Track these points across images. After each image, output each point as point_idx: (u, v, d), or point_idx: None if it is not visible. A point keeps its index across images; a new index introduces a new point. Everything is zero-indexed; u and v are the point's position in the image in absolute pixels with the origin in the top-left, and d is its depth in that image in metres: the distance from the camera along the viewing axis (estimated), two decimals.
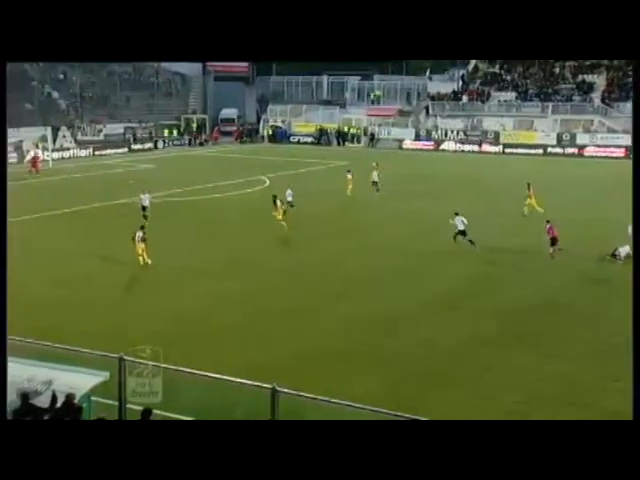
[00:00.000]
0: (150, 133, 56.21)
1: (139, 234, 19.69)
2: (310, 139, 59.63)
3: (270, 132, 61.32)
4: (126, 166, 43.96)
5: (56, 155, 46.49)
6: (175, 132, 58.94)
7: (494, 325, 15.69)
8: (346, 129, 59.24)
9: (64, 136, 50.29)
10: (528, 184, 27.68)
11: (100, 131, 52.88)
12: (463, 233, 21.70)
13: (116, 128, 54.13)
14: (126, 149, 52.04)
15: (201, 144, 58.25)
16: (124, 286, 18.55)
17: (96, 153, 49.33)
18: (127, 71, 61.82)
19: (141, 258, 19.55)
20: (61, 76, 57.36)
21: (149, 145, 54.20)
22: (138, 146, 53.24)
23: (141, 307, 16.77)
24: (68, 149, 48.54)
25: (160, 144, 55.34)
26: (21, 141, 45.61)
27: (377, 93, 63.78)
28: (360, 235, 24.56)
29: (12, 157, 44.12)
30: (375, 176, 32.51)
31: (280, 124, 61.98)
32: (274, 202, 24.68)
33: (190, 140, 58.18)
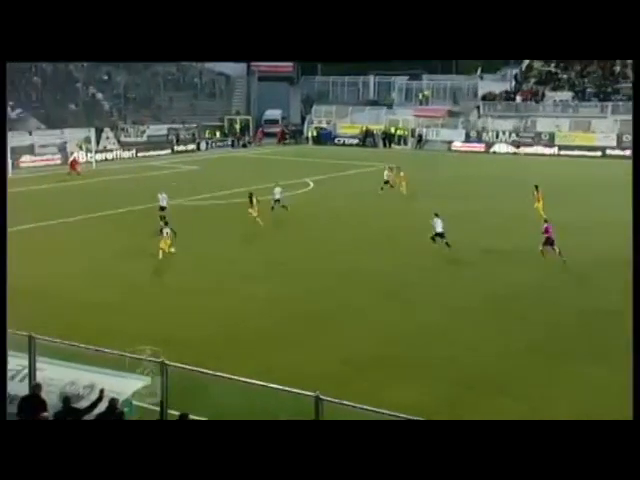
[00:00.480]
0: (193, 134, 57.08)
1: (166, 230, 21.12)
2: (355, 141, 59.68)
3: (314, 133, 61.57)
4: (169, 168, 44.68)
5: (99, 156, 47.57)
6: (218, 133, 59.68)
7: (547, 332, 15.49)
8: (392, 130, 59.05)
9: (107, 137, 51.42)
10: (536, 186, 27.14)
11: (143, 132, 53.95)
12: (441, 235, 22.06)
13: (159, 129, 55.17)
14: (169, 150, 52.91)
15: (244, 145, 58.86)
16: (167, 290, 18.78)
17: (139, 154, 50.26)
18: (171, 72, 63.02)
19: (161, 252, 20.74)
20: (105, 77, 58.84)
21: (192, 146, 54.99)
22: (181, 147, 54.08)
23: (185, 311, 16.87)
24: (111, 150, 49.65)
25: (203, 145, 56.10)
26: (65, 142, 46.95)
27: (425, 93, 63.44)
28: (405, 237, 24.50)
29: (56, 158, 45.52)
30: (386, 175, 33.80)
31: (325, 125, 62.19)
32: (250, 200, 25.36)
33: (233, 141, 58.84)
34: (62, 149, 46.63)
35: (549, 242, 20.84)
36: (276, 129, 63.00)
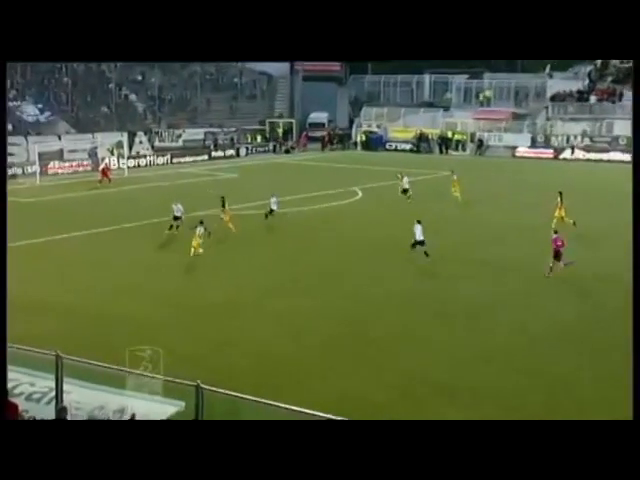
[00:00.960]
0: (232, 139, 57.20)
1: (199, 229, 22.79)
2: (409, 146, 59.13)
3: (364, 138, 61.17)
4: (206, 175, 44.67)
5: (132, 163, 47.95)
6: (259, 138, 59.74)
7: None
8: (450, 135, 58.19)
9: (140, 142, 51.80)
10: (560, 193, 26.76)
11: (179, 137, 54.21)
12: (421, 243, 22.75)
13: (196, 133, 55.41)
14: (206, 156, 53.05)
15: (287, 151, 58.73)
16: (210, 305, 18.53)
17: (174, 160, 50.51)
18: (209, 72, 63.34)
19: (193, 249, 22.33)
20: (139, 77, 59.38)
21: (231, 152, 55.05)
22: (219, 153, 54.20)
23: (223, 330, 16.67)
24: (144, 156, 49.93)
25: (243, 151, 56.12)
26: (96, 147, 47.37)
27: (487, 94, 62.20)
28: (475, 252, 23.66)
29: (86, 164, 45.91)
30: (406, 182, 34.41)
31: (375, 129, 61.70)
32: (222, 204, 26.81)
33: (275, 147, 58.74)
34: (93, 154, 47.08)
35: (556, 256, 20.46)
36: (322, 133, 62.88)
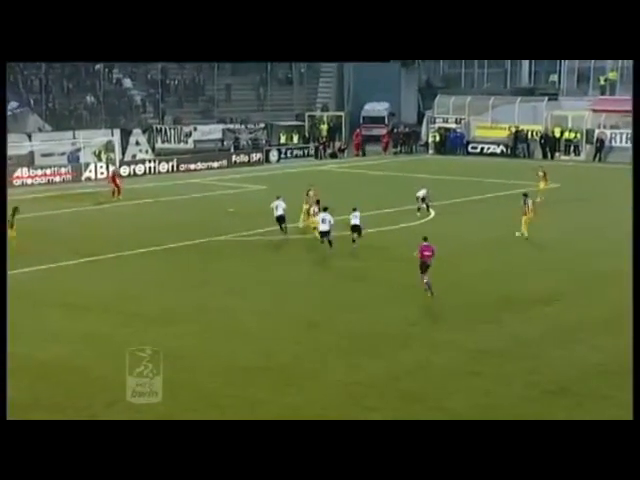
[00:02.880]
0: (259, 139, 57.49)
1: (314, 208, 30.35)
2: (500, 148, 58.93)
3: (438, 138, 61.16)
4: (224, 187, 44.90)
5: (125, 170, 48.37)
6: (296, 138, 60.16)
7: None
8: (557, 133, 57.67)
9: (137, 143, 52.42)
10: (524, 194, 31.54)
11: (188, 135, 54.71)
12: (356, 228, 28.88)
13: (211, 131, 55.96)
14: (224, 162, 53.51)
15: (333, 155, 58.91)
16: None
17: (181, 167, 50.95)
18: None
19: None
20: None
21: (257, 156, 55.38)
22: (242, 158, 54.58)
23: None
24: (143, 162, 50.40)
25: (274, 155, 56.43)
26: (78, 150, 48.11)
27: (610, 76, 61.49)
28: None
29: (65, 172, 46.34)
30: (422, 193, 36.30)
31: (453, 125, 61.58)
32: (13, 214, 28.58)
33: (317, 149, 58.99)
34: (73, 159, 47.75)
35: (423, 267, 23.34)
36: (381, 131, 63.11)
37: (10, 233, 26.98)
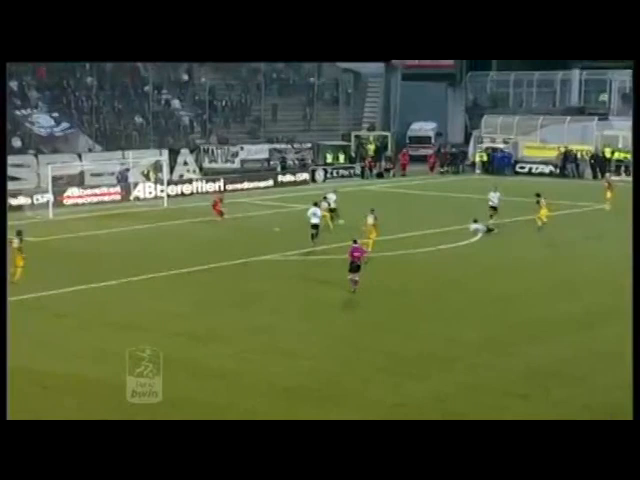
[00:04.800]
0: (305, 159, 57.93)
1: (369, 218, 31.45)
2: (548, 168, 58.67)
3: (485, 157, 60.97)
4: (270, 207, 45.21)
5: (173, 190, 48.68)
6: (342, 157, 60.27)
7: None
8: (608, 153, 57.14)
9: (185, 162, 53.15)
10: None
11: (235, 155, 55.27)
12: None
13: (258, 151, 56.51)
14: (271, 182, 53.70)
15: (380, 175, 58.99)
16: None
17: (228, 187, 50.96)
18: (276, 68, 64.47)
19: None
20: (184, 76, 60.92)
21: (304, 176, 55.61)
22: (288, 177, 54.84)
23: None
24: (190, 181, 50.72)
25: (320, 174, 56.59)
26: (127, 169, 48.70)
27: None
28: None
29: (114, 192, 46.69)
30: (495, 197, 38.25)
31: (501, 145, 61.28)
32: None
33: (364, 169, 59.05)
34: (123, 179, 48.29)
35: (353, 268, 25.05)
36: (427, 151, 63.21)
37: (18, 261, 26.40)
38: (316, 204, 34.11)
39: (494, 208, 37.96)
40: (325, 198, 36.89)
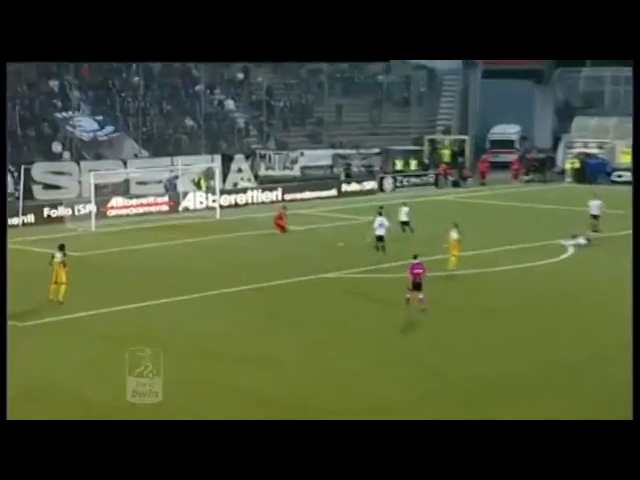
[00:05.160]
0: (372, 165, 58.37)
1: (453, 233, 31.75)
2: None
3: (577, 164, 60.65)
4: (333, 219, 45.53)
5: (226, 200, 49.17)
6: (414, 164, 60.40)
7: None
8: None
9: (239, 170, 53.81)
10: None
11: (294, 162, 56.08)
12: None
13: (319, 157, 57.19)
14: (334, 191, 54.01)
15: (456, 184, 59.19)
16: None
17: (287, 197, 51.24)
18: (340, 68, 64.92)
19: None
20: (240, 75, 61.69)
21: (371, 185, 55.87)
22: (353, 187, 55.13)
23: None
24: (244, 191, 51.40)
25: (388, 183, 56.87)
26: (176, 177, 49.47)
27: None
28: None
29: (162, 202, 47.38)
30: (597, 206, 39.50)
31: (595, 150, 60.88)
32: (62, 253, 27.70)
33: (438, 177, 59.24)
34: (171, 187, 49.18)
35: (414, 285, 26.00)
36: (510, 157, 63.03)
37: (61, 277, 26.86)
38: (381, 213, 34.82)
39: (595, 217, 38.54)
40: (381, 208, 36.72)
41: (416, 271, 26.00)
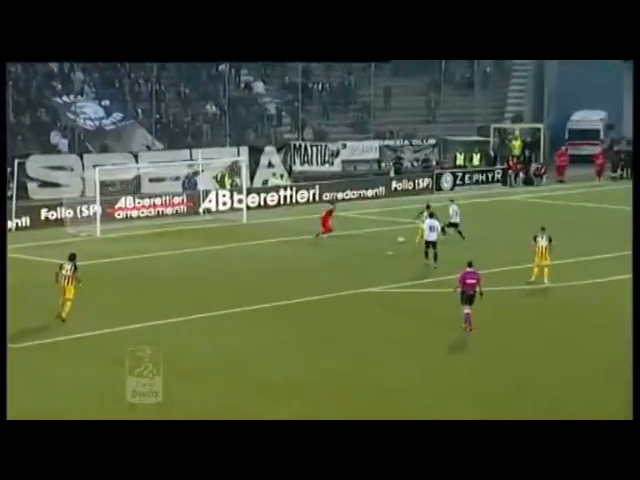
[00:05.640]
0: (428, 159, 58.57)
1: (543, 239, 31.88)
2: None
3: None
4: (381, 222, 45.69)
5: (254, 200, 49.20)
6: (477, 158, 60.52)
7: None
8: None
9: (270, 164, 53.94)
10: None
11: (335, 155, 56.13)
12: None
13: (365, 149, 57.26)
14: (382, 189, 54.02)
15: (528, 181, 59.05)
16: None
17: (325, 196, 51.19)
18: None
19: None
20: None
21: (426, 182, 55.84)
22: (405, 184, 55.09)
23: None
24: (276, 189, 51.35)
25: (447, 180, 56.81)
26: (196, 174, 49.69)
27: None
28: None
29: (179, 202, 47.10)
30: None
31: None
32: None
33: (506, 173, 58.98)
34: (190, 185, 49.42)
35: (465, 298, 25.94)
36: (594, 149, 62.82)
37: (68, 293, 26.99)
38: (432, 215, 35.02)
39: None
40: (426, 208, 37.18)
41: (469, 281, 25.86)
